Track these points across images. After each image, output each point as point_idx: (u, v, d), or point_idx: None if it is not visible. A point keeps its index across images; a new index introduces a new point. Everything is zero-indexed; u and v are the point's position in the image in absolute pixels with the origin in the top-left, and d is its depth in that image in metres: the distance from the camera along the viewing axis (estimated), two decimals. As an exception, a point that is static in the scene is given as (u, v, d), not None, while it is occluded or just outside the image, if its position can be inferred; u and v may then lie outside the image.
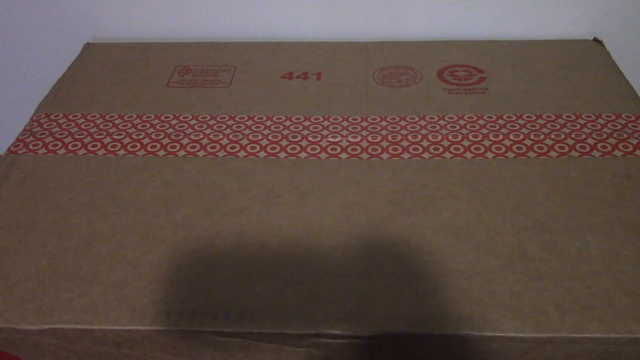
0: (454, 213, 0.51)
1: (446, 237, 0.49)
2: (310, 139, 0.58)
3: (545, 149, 0.56)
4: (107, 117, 0.62)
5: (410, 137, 0.57)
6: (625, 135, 0.57)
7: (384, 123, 0.59)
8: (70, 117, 0.62)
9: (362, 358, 0.45)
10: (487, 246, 0.48)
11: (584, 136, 0.57)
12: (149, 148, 0.58)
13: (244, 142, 0.58)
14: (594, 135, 0.57)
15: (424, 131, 0.58)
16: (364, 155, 0.56)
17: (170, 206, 0.52)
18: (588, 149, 0.56)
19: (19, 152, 0.58)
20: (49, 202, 0.53)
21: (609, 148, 0.56)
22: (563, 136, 0.57)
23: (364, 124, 0.59)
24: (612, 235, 0.48)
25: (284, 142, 0.58)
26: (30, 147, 0.59)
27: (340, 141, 0.57)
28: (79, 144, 0.59)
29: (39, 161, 0.57)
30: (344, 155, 0.56)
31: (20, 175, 0.56)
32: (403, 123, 0.59)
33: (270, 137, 0.58)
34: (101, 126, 0.61)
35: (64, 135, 0.60)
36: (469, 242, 0.48)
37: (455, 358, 0.44)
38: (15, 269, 0.48)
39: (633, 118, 0.59)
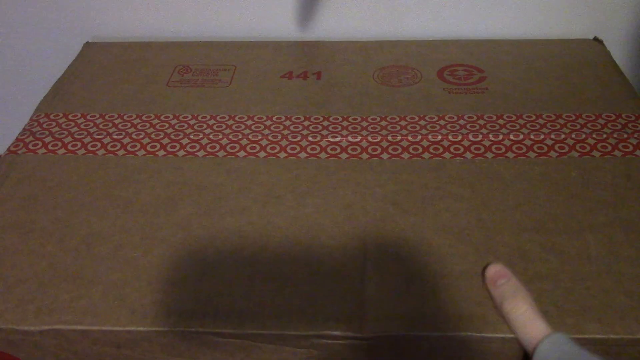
0: (453, 213, 0.51)
1: (446, 238, 0.49)
2: (310, 139, 0.58)
3: (545, 149, 0.56)
4: (107, 117, 0.62)
5: (410, 137, 0.57)
6: (625, 135, 0.57)
7: (383, 123, 0.59)
8: (70, 116, 0.62)
9: (362, 359, 0.45)
10: (486, 247, 0.48)
11: (583, 136, 0.57)
12: (148, 148, 0.58)
13: (244, 142, 0.58)
14: (593, 136, 0.57)
15: (423, 131, 0.58)
16: (364, 156, 0.56)
17: (170, 206, 0.52)
18: (588, 149, 0.56)
19: (19, 152, 0.58)
20: (48, 202, 0.53)
21: (609, 148, 0.56)
22: (563, 136, 0.57)
23: (364, 123, 0.59)
24: (612, 236, 0.48)
25: (284, 142, 0.58)
26: (30, 147, 0.59)
27: (340, 141, 0.57)
28: (79, 144, 0.59)
29: (39, 161, 0.57)
30: (343, 155, 0.56)
31: (20, 175, 0.56)
32: (403, 123, 0.59)
33: (270, 137, 0.58)
34: (101, 126, 0.61)
35: (64, 135, 0.60)
36: (469, 243, 0.48)
37: (456, 358, 0.44)
38: (15, 270, 0.48)
39: (633, 118, 0.59)
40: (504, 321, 0.43)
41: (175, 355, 0.46)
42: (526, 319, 0.42)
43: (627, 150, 0.56)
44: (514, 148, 0.56)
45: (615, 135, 0.57)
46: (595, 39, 0.73)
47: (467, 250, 0.48)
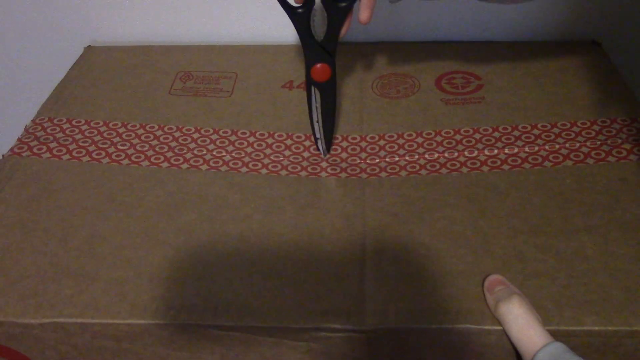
0: (450, 221, 0.52)
1: (444, 242, 0.50)
2: (311, 160, 0.59)
3: (540, 159, 0.57)
4: (110, 125, 0.63)
5: (407, 157, 0.58)
6: (620, 141, 0.58)
7: (382, 142, 0.60)
8: (73, 122, 0.63)
9: (361, 352, 0.45)
10: (484, 249, 0.49)
11: (578, 145, 0.58)
12: (152, 160, 0.59)
13: (246, 159, 0.59)
14: (588, 144, 0.58)
15: (421, 149, 0.59)
16: (363, 175, 0.57)
17: (173, 212, 0.53)
18: (582, 157, 0.57)
19: (23, 154, 0.59)
20: (52, 204, 0.54)
21: (603, 155, 0.57)
22: (557, 146, 0.58)
23: (363, 144, 0.60)
24: (607, 236, 0.49)
25: (285, 162, 0.58)
26: (35, 150, 0.60)
27: (340, 162, 0.58)
28: (84, 151, 0.60)
29: (43, 165, 0.58)
30: (343, 175, 0.57)
31: (24, 177, 0.57)
32: (401, 141, 0.60)
33: (272, 157, 0.59)
34: (105, 134, 0.62)
35: (69, 142, 0.61)
36: (466, 246, 0.49)
37: (455, 351, 0.45)
38: (17, 266, 0.48)
39: (628, 121, 0.60)
40: (500, 324, 0.44)
41: (175, 349, 0.46)
42: (523, 324, 0.43)
43: (620, 155, 0.56)
44: (509, 161, 0.57)
45: (609, 142, 0.58)
46: (594, 42, 0.74)
47: (464, 253, 0.49)
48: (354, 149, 0.60)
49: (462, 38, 0.77)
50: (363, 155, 0.59)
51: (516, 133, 0.60)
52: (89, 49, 0.78)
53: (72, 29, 0.80)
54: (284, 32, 0.78)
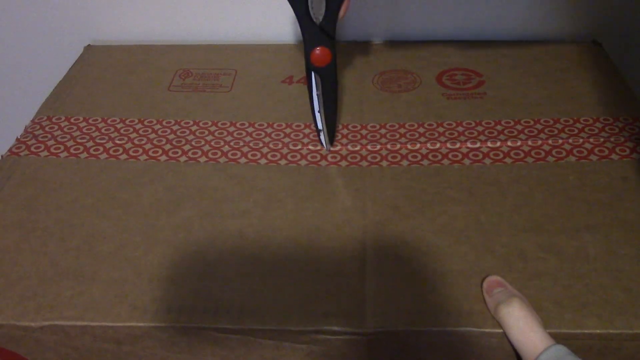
0: (452, 216, 0.51)
1: (445, 239, 0.49)
2: (310, 147, 0.58)
3: (543, 154, 0.56)
4: (109, 121, 0.63)
5: (409, 145, 0.58)
6: (622, 139, 0.58)
7: (383, 131, 0.60)
8: (72, 120, 0.63)
9: (362, 355, 0.45)
10: (485, 247, 0.48)
11: (581, 141, 0.58)
12: (150, 153, 0.58)
13: (245, 149, 0.58)
14: (591, 140, 0.58)
15: (422, 139, 0.59)
16: (364, 163, 0.56)
17: (172, 209, 0.53)
18: (585, 153, 0.56)
19: (21, 154, 0.59)
20: (50, 203, 0.54)
21: (606, 152, 0.56)
22: (561, 141, 0.58)
23: (364, 132, 0.60)
24: (609, 235, 0.49)
25: (285, 150, 0.58)
26: (33, 149, 0.59)
27: (340, 150, 0.58)
28: (81, 148, 0.59)
29: (42, 163, 0.58)
30: (343, 163, 0.57)
31: (22, 177, 0.56)
32: (402, 130, 0.60)
33: (270, 145, 0.59)
34: (103, 130, 0.61)
35: (67, 139, 0.60)
36: (468, 244, 0.49)
37: (456, 354, 0.44)
38: (16, 267, 0.48)
39: (630, 120, 0.60)
40: (500, 327, 0.44)
41: (175, 352, 0.46)
42: (524, 327, 0.42)
43: (624, 153, 0.56)
44: (511, 154, 0.57)
45: (612, 139, 0.58)
46: (594, 42, 0.74)
47: (466, 251, 0.48)
48: (354, 136, 0.60)
49: (463, 38, 0.77)
50: (364, 142, 0.59)
51: (519, 127, 0.60)
52: (88, 48, 0.77)
53: (72, 29, 0.79)
54: (285, 31, 0.77)
